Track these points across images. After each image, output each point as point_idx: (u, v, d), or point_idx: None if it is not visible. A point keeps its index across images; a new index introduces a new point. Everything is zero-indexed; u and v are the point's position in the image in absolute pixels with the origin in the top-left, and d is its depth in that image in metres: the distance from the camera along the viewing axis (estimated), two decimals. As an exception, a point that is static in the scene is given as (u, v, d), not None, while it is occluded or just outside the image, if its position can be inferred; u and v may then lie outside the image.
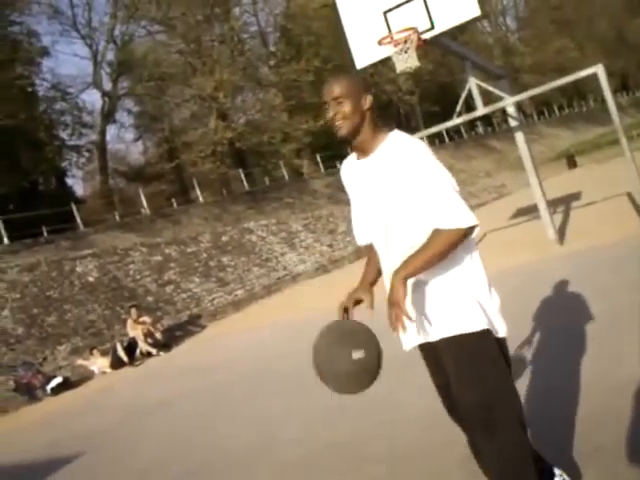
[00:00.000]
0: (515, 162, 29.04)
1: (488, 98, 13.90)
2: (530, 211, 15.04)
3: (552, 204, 14.25)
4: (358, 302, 2.66)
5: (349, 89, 2.47)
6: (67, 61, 74.71)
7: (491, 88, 11.70)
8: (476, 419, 2.40)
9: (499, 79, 13.00)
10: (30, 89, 32.35)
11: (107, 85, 38.18)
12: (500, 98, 11.83)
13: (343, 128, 2.48)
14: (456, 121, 11.95)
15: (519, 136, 12.39)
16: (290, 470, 4.38)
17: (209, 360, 10.92)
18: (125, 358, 13.42)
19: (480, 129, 47.20)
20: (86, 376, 13.45)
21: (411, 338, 2.57)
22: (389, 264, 2.55)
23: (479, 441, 2.44)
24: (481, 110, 11.66)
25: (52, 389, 12.53)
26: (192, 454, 5.55)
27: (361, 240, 2.77)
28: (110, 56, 38.23)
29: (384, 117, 44.11)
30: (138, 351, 13.78)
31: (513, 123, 12.68)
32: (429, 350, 2.60)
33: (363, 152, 2.57)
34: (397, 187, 2.44)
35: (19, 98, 28.63)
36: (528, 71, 55.26)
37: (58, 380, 12.71)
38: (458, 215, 2.36)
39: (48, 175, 33.14)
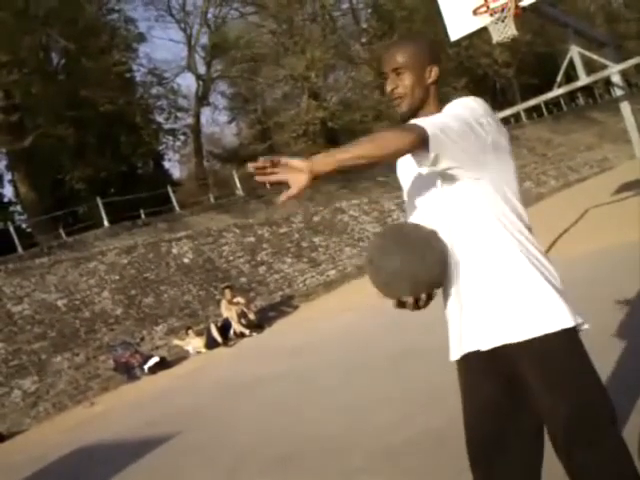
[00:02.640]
0: (618, 134, 27.63)
1: (590, 68, 13.17)
2: (635, 186, 14.21)
3: (661, 178, 13.42)
4: None
5: (412, 58, 2.10)
6: (162, 46, 76.46)
7: (595, 56, 11.05)
8: (578, 433, 2.01)
9: (602, 47, 12.27)
10: (128, 75, 33.19)
11: (201, 68, 38.70)
12: (603, 67, 11.16)
13: (403, 105, 2.13)
14: (556, 92, 11.36)
15: (625, 106, 11.67)
16: (386, 456, 4.21)
17: (301, 342, 10.87)
18: (219, 338, 13.57)
19: (580, 100, 45.21)
20: (182, 356, 13.71)
21: (469, 343, 2.12)
22: (454, 274, 2.13)
23: (580, 457, 2.02)
24: (584, 79, 11.04)
25: (149, 368, 12.84)
26: (285, 438, 5.46)
27: None
28: (204, 39, 38.69)
29: (478, 92, 42.95)
30: (232, 332, 13.90)
31: (618, 92, 11.97)
32: (485, 357, 2.12)
33: None
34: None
35: (118, 84, 29.37)
36: (634, 38, 52.45)
37: (155, 360, 13.01)
38: (418, 121, 1.89)
39: (146, 159, 34.02)
